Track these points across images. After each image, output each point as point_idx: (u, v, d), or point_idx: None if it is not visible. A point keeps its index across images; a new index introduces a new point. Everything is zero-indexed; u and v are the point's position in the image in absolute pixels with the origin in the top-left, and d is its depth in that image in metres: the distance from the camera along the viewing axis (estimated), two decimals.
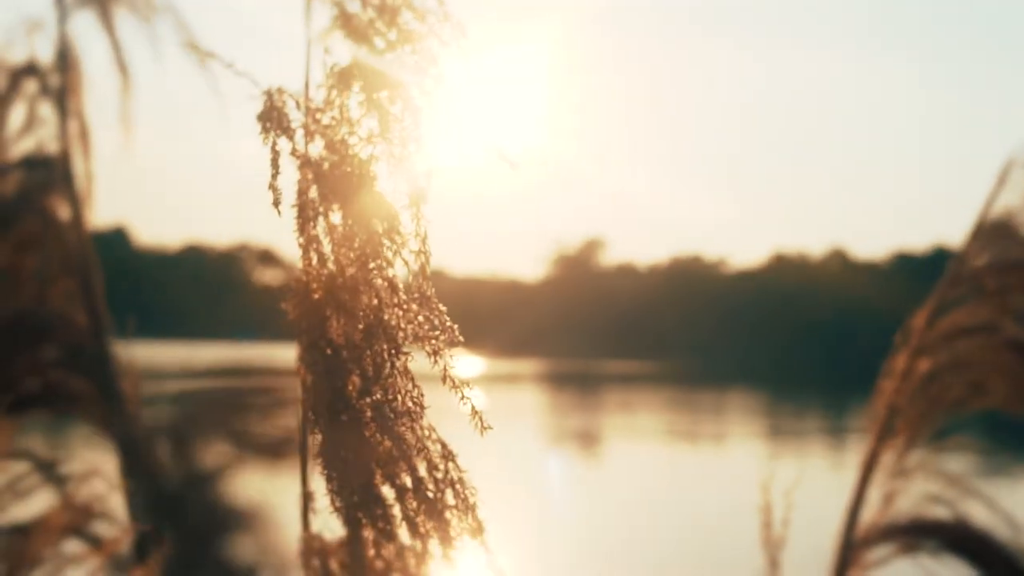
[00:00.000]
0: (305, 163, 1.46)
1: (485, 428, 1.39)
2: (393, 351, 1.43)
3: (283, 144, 1.46)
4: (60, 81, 3.41)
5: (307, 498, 1.51)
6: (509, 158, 1.44)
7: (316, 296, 1.46)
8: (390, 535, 1.41)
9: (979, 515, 3.40)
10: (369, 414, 1.43)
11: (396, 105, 1.45)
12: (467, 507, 1.43)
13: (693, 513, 18.56)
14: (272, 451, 1.25)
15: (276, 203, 1.45)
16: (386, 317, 1.44)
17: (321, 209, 1.46)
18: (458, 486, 1.45)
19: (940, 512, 3.39)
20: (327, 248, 1.46)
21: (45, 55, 3.55)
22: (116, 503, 2.91)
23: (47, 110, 3.48)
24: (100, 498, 2.76)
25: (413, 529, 1.42)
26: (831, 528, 3.50)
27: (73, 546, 2.69)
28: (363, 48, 1.46)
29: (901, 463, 3.38)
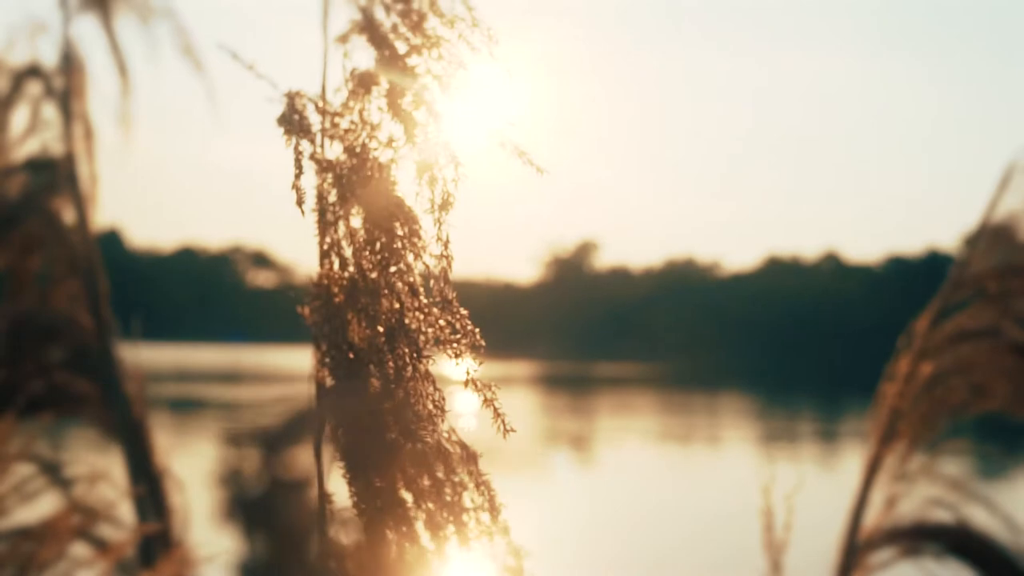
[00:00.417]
0: (325, 167, 1.46)
1: (508, 431, 1.39)
2: (415, 355, 1.44)
3: (304, 147, 1.47)
4: (64, 83, 3.40)
5: (324, 500, 1.52)
6: (534, 162, 1.45)
7: (337, 300, 1.46)
8: (412, 538, 1.42)
9: (981, 518, 3.41)
10: (390, 417, 1.43)
11: (419, 110, 1.46)
12: (492, 509, 1.43)
13: (690, 516, 18.56)
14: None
15: (299, 202, 1.45)
16: (408, 321, 1.45)
17: (341, 213, 1.46)
18: (482, 488, 1.45)
19: (942, 516, 3.40)
20: (348, 252, 1.46)
21: (48, 57, 3.55)
22: (120, 505, 2.91)
23: (51, 112, 3.48)
24: (107, 501, 2.75)
25: (434, 532, 1.42)
26: (826, 531, 3.51)
27: (79, 549, 2.69)
28: (384, 52, 1.46)
29: (903, 466, 3.39)
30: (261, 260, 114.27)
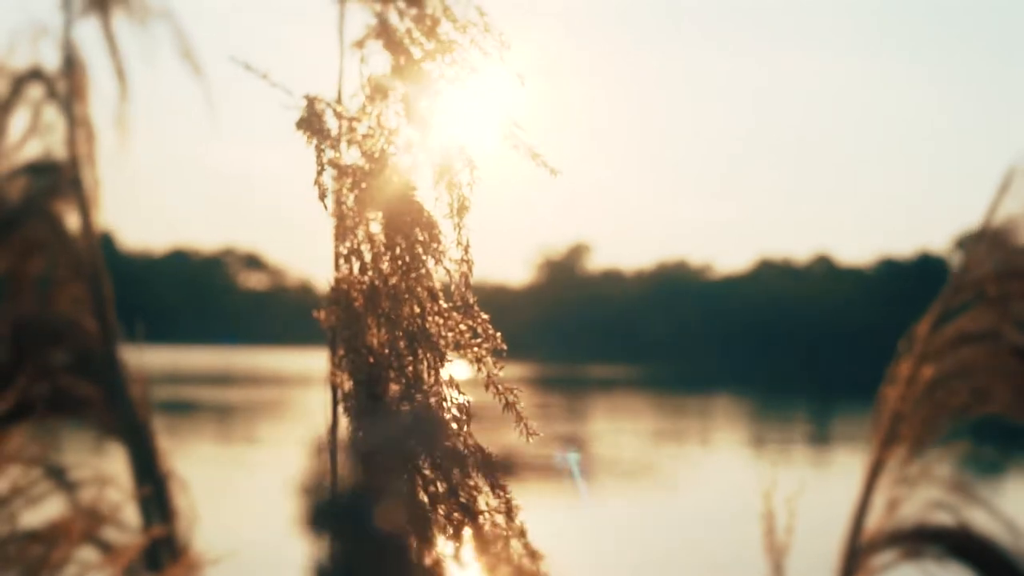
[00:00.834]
0: (343, 172, 1.47)
1: (531, 434, 1.40)
2: (436, 359, 1.44)
3: (324, 150, 1.48)
4: (67, 86, 3.41)
5: (336, 501, 1.52)
6: (548, 164, 1.46)
7: (357, 304, 1.47)
8: (431, 542, 1.42)
9: (982, 521, 3.42)
10: (410, 421, 1.44)
11: (435, 115, 1.47)
12: (509, 511, 1.44)
13: (687, 517, 18.57)
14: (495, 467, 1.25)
15: (322, 197, 1.46)
16: (428, 325, 1.45)
17: (360, 218, 1.47)
18: (498, 491, 1.46)
19: (944, 518, 3.41)
20: (367, 257, 1.47)
21: (48, 60, 3.55)
22: (125, 508, 2.91)
23: (52, 115, 3.48)
24: (112, 504, 2.76)
25: (452, 535, 1.43)
26: (821, 533, 3.52)
27: (85, 552, 2.69)
28: (399, 58, 1.47)
29: (905, 469, 3.41)
30: (253, 262, 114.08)
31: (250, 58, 1.56)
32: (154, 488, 3.00)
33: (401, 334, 1.44)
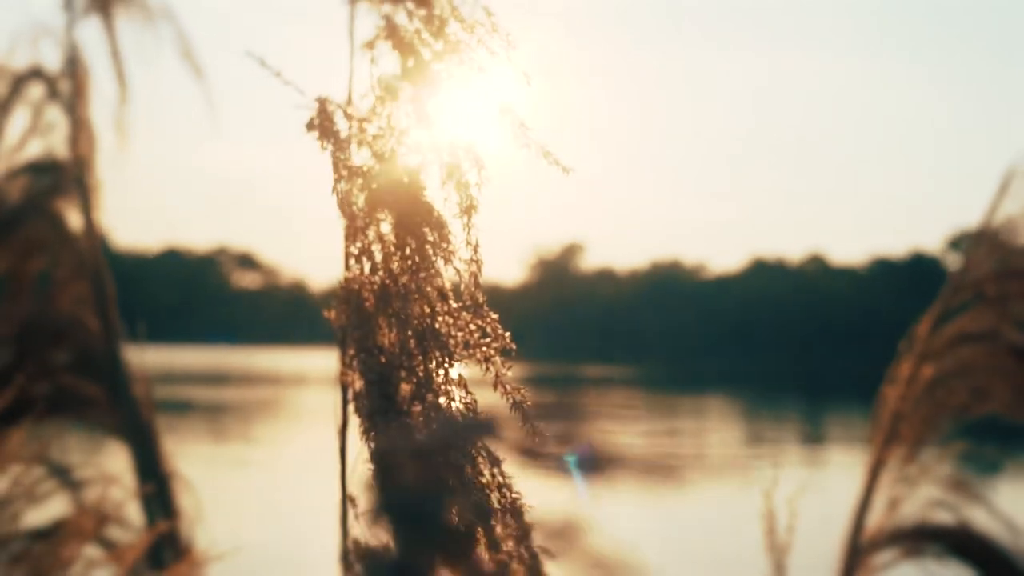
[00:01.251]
0: (353, 172, 1.47)
1: (538, 434, 1.40)
2: (446, 358, 1.44)
3: (331, 153, 1.48)
4: (71, 86, 3.41)
5: (347, 503, 1.52)
6: (559, 162, 1.46)
7: (368, 304, 1.47)
8: (443, 543, 1.42)
9: (982, 520, 3.43)
10: (420, 420, 1.44)
11: (442, 115, 1.47)
12: (515, 511, 1.44)
13: (683, 518, 18.57)
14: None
15: (342, 205, 1.46)
16: (438, 325, 1.46)
17: (370, 218, 1.47)
18: (504, 490, 1.46)
19: (944, 517, 3.42)
20: (378, 257, 1.47)
21: (49, 61, 3.55)
22: (129, 506, 2.91)
23: (54, 115, 3.48)
24: (117, 503, 2.76)
25: (461, 534, 1.43)
26: (815, 532, 3.52)
27: (89, 550, 2.69)
28: (409, 59, 1.48)
29: (905, 468, 3.42)
30: (246, 262, 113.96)
31: (248, 52, 1.56)
32: (157, 486, 3.01)
33: (411, 334, 1.44)
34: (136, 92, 3.61)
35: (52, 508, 2.87)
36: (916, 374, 3.43)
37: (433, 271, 1.44)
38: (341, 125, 1.48)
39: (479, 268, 1.44)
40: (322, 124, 1.47)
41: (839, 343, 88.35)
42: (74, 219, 3.39)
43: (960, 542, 3.38)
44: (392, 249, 1.45)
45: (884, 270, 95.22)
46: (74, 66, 3.45)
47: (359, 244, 1.46)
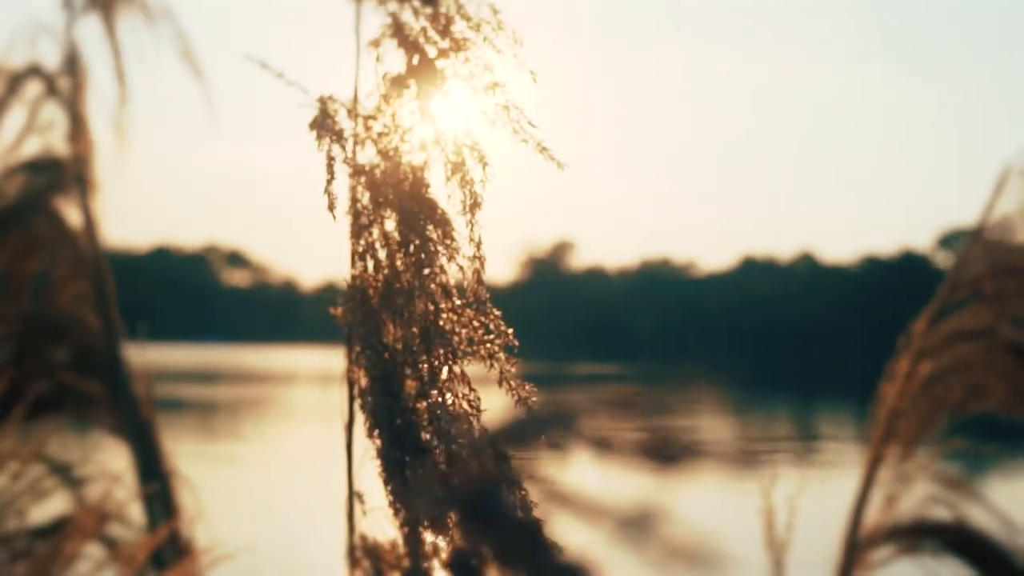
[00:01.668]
0: (358, 170, 1.48)
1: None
2: (449, 355, 1.45)
3: (335, 152, 1.48)
4: (71, 84, 3.41)
5: (354, 498, 1.53)
6: (555, 158, 1.46)
7: (372, 302, 1.47)
8: (450, 538, 1.42)
9: (978, 516, 3.45)
10: (426, 417, 1.44)
11: (445, 112, 1.48)
12: (525, 508, 1.44)
13: (682, 518, 18.55)
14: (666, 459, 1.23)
15: (331, 207, 1.46)
16: (442, 323, 1.46)
17: (375, 216, 1.48)
18: (514, 487, 1.46)
19: (941, 513, 3.44)
20: (382, 255, 1.47)
21: (48, 59, 3.55)
22: (130, 505, 2.91)
23: (54, 113, 3.48)
24: (118, 501, 2.76)
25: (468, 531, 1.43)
26: (810, 529, 3.53)
27: (90, 549, 2.69)
28: (414, 56, 1.48)
29: (903, 465, 3.43)
30: (236, 260, 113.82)
31: (248, 56, 1.56)
32: (158, 485, 3.01)
33: (415, 331, 1.45)
34: (135, 91, 3.61)
35: (52, 506, 2.87)
36: (914, 371, 3.44)
37: (438, 268, 1.45)
38: (345, 124, 1.49)
39: (482, 265, 1.45)
40: (323, 123, 1.47)
41: (830, 341, 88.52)
42: (73, 217, 3.39)
43: (956, 538, 3.39)
44: (396, 246, 1.46)
45: (874, 268, 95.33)
46: (73, 64, 3.44)
47: (363, 242, 1.47)
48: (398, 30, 1.49)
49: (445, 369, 1.45)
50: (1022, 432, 3.76)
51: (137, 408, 3.08)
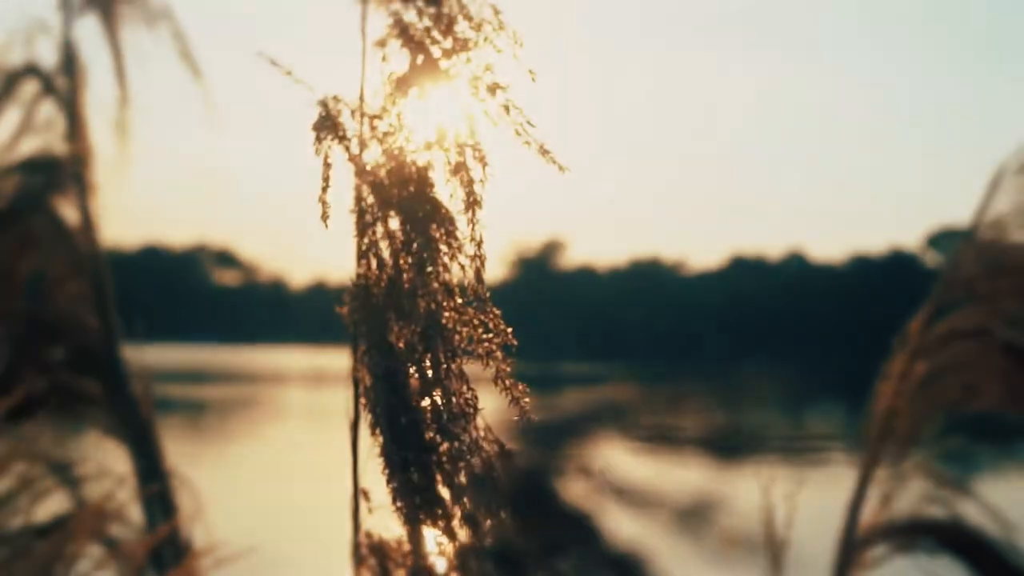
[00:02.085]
0: (362, 170, 1.48)
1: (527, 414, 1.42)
2: (449, 354, 1.45)
3: (338, 152, 1.49)
4: (68, 83, 3.40)
5: (359, 496, 1.53)
6: (556, 160, 1.47)
7: (376, 301, 1.48)
8: (452, 534, 1.43)
9: (973, 514, 3.45)
10: (428, 415, 1.45)
11: (446, 111, 1.48)
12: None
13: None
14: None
15: (324, 217, 1.46)
16: (444, 321, 1.46)
17: (380, 215, 1.48)
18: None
19: (936, 512, 3.44)
20: (386, 254, 1.48)
21: (45, 58, 3.54)
22: (128, 504, 2.91)
23: (52, 112, 3.47)
24: (118, 501, 2.76)
25: (472, 527, 1.43)
26: (805, 528, 3.53)
27: (90, 549, 2.69)
28: (418, 56, 1.48)
29: (898, 463, 3.44)
30: (226, 259, 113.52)
31: (247, 54, 1.56)
32: (157, 485, 3.01)
33: (418, 329, 1.45)
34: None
35: (52, 506, 2.87)
36: (909, 370, 3.45)
37: (440, 266, 1.45)
38: (349, 124, 1.49)
39: (483, 263, 1.45)
40: (325, 124, 1.48)
41: (819, 339, 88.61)
42: (71, 216, 3.39)
43: (952, 536, 3.40)
44: (400, 245, 1.46)
45: (863, 267, 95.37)
46: (71, 63, 3.44)
47: (367, 240, 1.47)
48: (402, 30, 1.50)
49: (445, 368, 1.46)
50: (1016, 431, 3.77)
51: (136, 408, 3.08)
